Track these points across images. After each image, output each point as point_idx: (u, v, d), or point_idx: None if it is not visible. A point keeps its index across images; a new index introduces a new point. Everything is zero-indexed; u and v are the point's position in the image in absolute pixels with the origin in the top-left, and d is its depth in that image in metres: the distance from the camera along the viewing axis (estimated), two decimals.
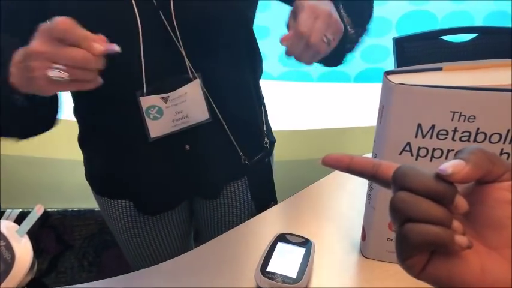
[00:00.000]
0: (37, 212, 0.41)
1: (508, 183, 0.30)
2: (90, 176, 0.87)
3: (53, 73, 0.49)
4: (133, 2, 0.63)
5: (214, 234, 0.93)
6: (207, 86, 0.71)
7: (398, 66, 1.31)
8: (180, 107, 0.70)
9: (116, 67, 0.53)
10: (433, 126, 0.54)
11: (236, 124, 0.77)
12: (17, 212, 1.69)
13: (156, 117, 0.69)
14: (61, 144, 1.69)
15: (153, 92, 0.68)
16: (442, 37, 1.30)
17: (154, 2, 0.64)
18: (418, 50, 1.31)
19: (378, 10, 1.47)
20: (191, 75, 0.69)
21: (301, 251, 0.65)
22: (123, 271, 0.68)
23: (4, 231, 0.41)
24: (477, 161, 0.29)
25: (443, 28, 1.31)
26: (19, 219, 1.55)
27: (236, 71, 0.76)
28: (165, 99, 0.68)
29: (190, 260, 0.69)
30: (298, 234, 0.69)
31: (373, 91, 1.58)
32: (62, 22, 0.48)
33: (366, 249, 0.67)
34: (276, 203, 0.86)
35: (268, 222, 0.75)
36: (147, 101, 0.68)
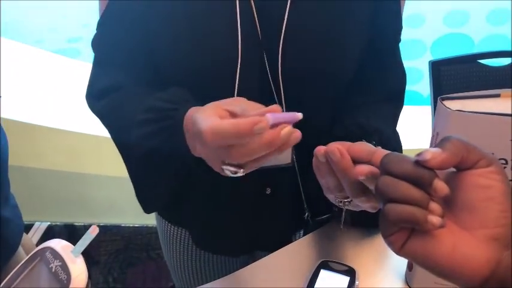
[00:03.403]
0: (91, 233, 0.40)
1: (482, 169, 0.33)
2: None
3: (227, 169, 0.44)
4: (239, 37, 0.59)
5: None
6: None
7: (434, 90, 1.29)
8: None
9: (209, 90, 0.52)
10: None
11: (310, 177, 0.71)
12: (45, 224, 1.70)
13: None
14: (90, 159, 1.72)
15: None
16: (479, 61, 1.28)
17: (259, 30, 0.60)
18: (455, 73, 1.29)
19: (412, 32, 1.47)
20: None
21: (345, 279, 0.63)
22: None
23: (60, 250, 0.41)
24: (453, 149, 0.33)
25: (482, 52, 1.29)
26: (47, 233, 1.55)
27: (328, 121, 0.71)
28: None
29: (230, 284, 0.67)
30: (341, 261, 0.67)
31: (406, 114, 1.56)
32: (239, 132, 0.40)
33: (413, 279, 0.65)
34: None
35: (310, 248, 0.73)
36: None
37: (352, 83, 0.68)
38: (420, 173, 0.32)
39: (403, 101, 0.76)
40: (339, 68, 0.65)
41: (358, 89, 0.70)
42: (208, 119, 0.43)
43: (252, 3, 0.60)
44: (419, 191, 0.32)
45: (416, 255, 0.34)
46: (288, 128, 0.41)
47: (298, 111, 0.64)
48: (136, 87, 0.64)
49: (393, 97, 0.74)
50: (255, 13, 0.60)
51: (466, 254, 0.32)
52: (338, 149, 0.39)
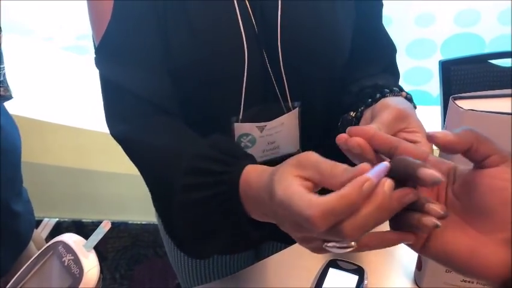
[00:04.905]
0: (104, 227, 0.40)
1: (497, 170, 0.32)
2: None
3: (335, 246, 0.36)
4: (241, 27, 0.59)
5: None
6: (303, 117, 0.67)
7: (444, 90, 1.28)
8: (273, 138, 0.65)
9: (216, 90, 0.51)
10: None
11: None
12: (54, 221, 1.71)
13: (247, 146, 0.65)
14: (98, 156, 1.73)
15: (249, 119, 0.63)
16: (490, 61, 1.27)
17: (256, 29, 0.61)
18: (465, 73, 1.28)
19: (422, 32, 1.46)
20: (290, 105, 0.65)
21: (354, 278, 0.63)
22: (155, 286, 0.67)
23: (72, 245, 0.41)
24: (462, 134, 0.33)
25: (492, 52, 1.28)
26: (56, 229, 1.57)
27: (331, 105, 0.71)
28: (261, 129, 0.64)
29: (238, 282, 0.67)
30: (350, 260, 0.66)
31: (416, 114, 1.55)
32: (319, 223, 0.33)
33: (422, 279, 0.64)
34: None
35: None
36: (241, 129, 0.63)
37: (348, 63, 0.70)
38: (405, 162, 0.33)
39: (398, 71, 0.76)
40: (336, 51, 0.66)
41: (355, 67, 0.71)
42: (307, 199, 0.34)
43: (247, 3, 0.60)
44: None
45: (438, 255, 0.34)
46: (390, 182, 0.33)
47: (302, 101, 0.65)
48: (163, 116, 0.59)
49: (389, 68, 0.74)
50: (250, 13, 0.61)
51: (484, 258, 0.32)
52: (358, 143, 0.37)
